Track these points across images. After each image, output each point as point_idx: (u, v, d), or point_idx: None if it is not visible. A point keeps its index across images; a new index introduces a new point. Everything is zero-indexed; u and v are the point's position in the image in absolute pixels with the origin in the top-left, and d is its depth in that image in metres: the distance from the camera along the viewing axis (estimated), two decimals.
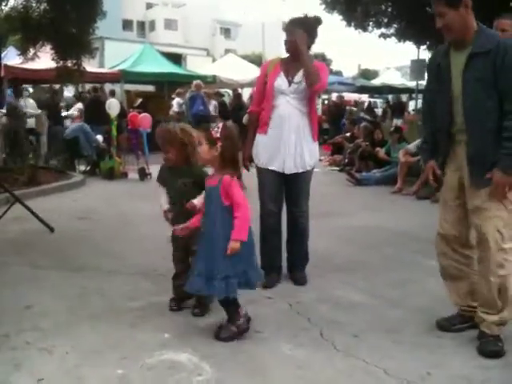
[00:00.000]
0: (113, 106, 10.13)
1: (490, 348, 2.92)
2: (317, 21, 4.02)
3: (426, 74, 12.52)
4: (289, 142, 3.92)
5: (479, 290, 3.08)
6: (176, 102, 14.23)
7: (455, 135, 3.10)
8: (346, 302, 3.74)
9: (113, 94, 12.81)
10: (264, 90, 4.04)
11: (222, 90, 18.17)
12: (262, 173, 4.04)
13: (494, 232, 2.91)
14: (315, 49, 4.13)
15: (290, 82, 3.93)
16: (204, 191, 3.24)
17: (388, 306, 3.67)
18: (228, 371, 2.75)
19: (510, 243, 2.95)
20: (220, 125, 3.09)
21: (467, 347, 3.02)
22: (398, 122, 16.34)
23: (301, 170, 3.99)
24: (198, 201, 3.35)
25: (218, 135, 3.01)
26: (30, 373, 2.71)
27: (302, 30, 3.89)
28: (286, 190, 4.11)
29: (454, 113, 3.06)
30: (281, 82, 3.94)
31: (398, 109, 19.83)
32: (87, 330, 3.24)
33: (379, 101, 27.08)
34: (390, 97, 25.38)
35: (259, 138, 4.00)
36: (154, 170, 9.61)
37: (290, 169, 3.97)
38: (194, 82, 12.90)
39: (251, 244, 3.11)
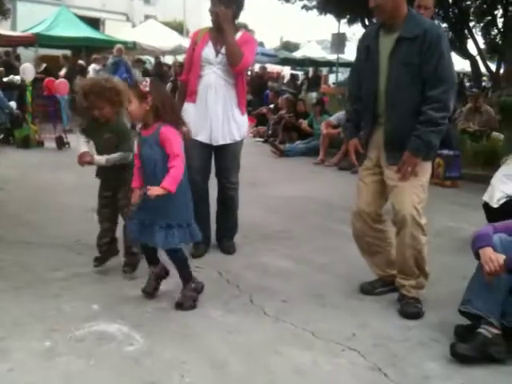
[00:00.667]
0: (27, 71, 9.59)
1: (410, 310, 3.10)
2: None
3: (345, 48, 12.70)
4: (216, 112, 3.88)
5: (397, 260, 3.25)
6: (92, 69, 13.59)
7: (378, 117, 3.20)
8: (274, 269, 3.83)
9: (18, 58, 12.08)
10: (190, 53, 4.00)
11: (143, 58, 17.67)
12: (190, 143, 3.99)
13: (411, 208, 3.05)
14: (238, 19, 4.05)
15: (218, 52, 3.87)
16: (122, 152, 3.35)
17: (314, 272, 3.79)
18: (159, 340, 2.75)
19: (425, 218, 3.12)
20: (148, 79, 3.05)
21: (389, 309, 3.19)
22: (313, 94, 16.46)
23: (228, 142, 3.97)
24: (98, 158, 3.39)
25: (147, 89, 2.94)
26: None
27: (228, 4, 3.79)
28: (216, 162, 4.09)
29: (379, 94, 3.14)
30: (208, 51, 3.88)
31: (314, 82, 20.01)
32: (9, 302, 3.12)
33: (300, 73, 27.41)
34: (310, 69, 25.72)
35: (188, 107, 3.93)
36: (72, 138, 9.32)
37: (216, 140, 3.94)
38: (116, 47, 12.25)
39: (190, 198, 3.11)
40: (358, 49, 3.39)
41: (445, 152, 6.71)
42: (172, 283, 3.27)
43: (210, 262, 3.88)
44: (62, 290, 3.30)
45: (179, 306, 3.10)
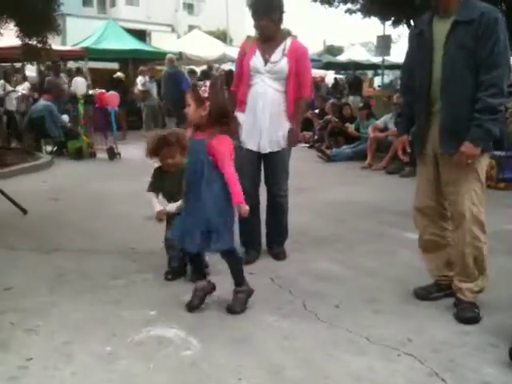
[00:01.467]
0: (79, 85, 9.94)
1: (467, 314, 3.04)
2: None
3: (390, 50, 12.49)
4: (263, 120, 3.92)
5: (455, 259, 3.19)
6: (139, 81, 13.76)
7: (433, 105, 3.14)
8: (326, 273, 3.83)
9: (79, 71, 12.49)
10: (240, 63, 4.06)
11: (187, 67, 17.94)
12: (239, 151, 4.05)
13: (470, 205, 3.00)
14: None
15: (266, 61, 3.91)
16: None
17: (366, 277, 3.77)
18: (215, 344, 2.81)
19: (483, 215, 3.05)
20: (207, 83, 3.03)
21: (444, 314, 3.14)
22: (352, 98, 16.19)
23: (276, 149, 4.00)
24: (171, 207, 3.54)
25: (206, 95, 2.96)
26: (18, 353, 2.71)
27: (271, 14, 3.82)
28: (265, 169, 4.14)
29: (433, 81, 3.09)
30: (256, 61, 3.92)
31: (354, 85, 19.68)
32: (71, 308, 3.24)
33: (343, 77, 27.22)
34: (355, 73, 25.50)
35: (238, 116, 3.99)
36: (123, 149, 9.58)
37: (264, 148, 3.98)
38: (168, 57, 12.08)
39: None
40: (409, 38, 3.36)
41: (497, 153, 6.55)
42: (226, 289, 3.31)
43: (261, 268, 3.92)
44: (120, 296, 3.41)
45: (230, 309, 3.14)
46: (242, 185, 3.84)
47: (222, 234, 3.02)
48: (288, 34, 4.05)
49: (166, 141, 3.50)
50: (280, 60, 3.88)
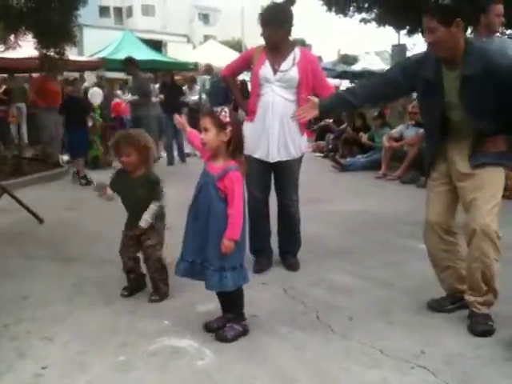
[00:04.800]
0: (95, 95, 10.06)
1: (480, 327, 3.03)
2: (289, 3, 4.03)
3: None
4: (272, 129, 3.95)
5: (466, 274, 3.19)
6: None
7: (447, 135, 3.16)
8: (339, 285, 3.83)
9: (99, 84, 12.64)
10: (242, 65, 4.23)
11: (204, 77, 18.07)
12: (248, 160, 4.07)
13: (482, 218, 2.99)
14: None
15: (276, 71, 3.95)
16: (156, 203, 3.48)
17: (379, 288, 3.76)
18: (229, 355, 2.82)
19: (498, 232, 3.02)
20: (226, 109, 2.89)
21: (458, 326, 3.13)
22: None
23: (285, 159, 4.02)
24: (144, 221, 3.48)
25: (228, 119, 2.84)
26: (34, 360, 2.76)
27: (276, 24, 3.89)
28: (274, 179, 4.17)
29: (451, 117, 3.10)
30: (266, 70, 3.96)
31: None
32: (86, 318, 3.28)
33: None
34: None
35: (246, 126, 3.98)
36: None
37: (273, 157, 4.00)
38: (205, 65, 11.57)
39: (245, 237, 3.05)
40: (410, 65, 3.27)
41: None
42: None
43: (274, 279, 3.93)
44: (135, 306, 3.44)
45: (222, 337, 2.97)
46: (251, 193, 3.86)
47: (226, 273, 2.88)
48: (297, 44, 4.12)
49: (124, 139, 3.50)
50: (290, 69, 3.92)
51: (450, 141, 3.17)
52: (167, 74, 10.76)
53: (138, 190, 3.51)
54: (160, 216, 3.59)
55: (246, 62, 4.16)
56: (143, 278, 3.72)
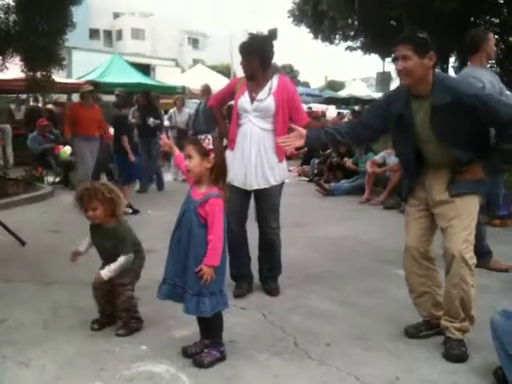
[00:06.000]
0: None
1: (454, 352, 3.07)
2: (271, 36, 4.05)
3: (390, 87, 12.78)
4: (250, 158, 4.02)
5: (443, 300, 3.24)
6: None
7: (423, 164, 3.24)
8: (319, 311, 3.85)
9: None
10: (227, 94, 4.31)
11: (192, 101, 18.19)
12: (228, 188, 4.10)
13: (460, 245, 3.05)
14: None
15: (253, 100, 4.03)
16: (124, 256, 3.35)
17: (359, 315, 3.79)
18: (205, 381, 2.83)
19: (474, 258, 3.11)
20: (210, 136, 2.95)
21: (434, 353, 3.16)
22: None
23: (262, 186, 4.07)
24: (105, 273, 3.35)
25: (211, 147, 2.90)
26: None
27: (253, 54, 3.97)
28: (255, 207, 4.22)
29: (424, 150, 3.18)
30: (244, 100, 4.05)
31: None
32: (63, 342, 3.27)
33: (346, 111, 27.59)
34: (356, 107, 25.83)
35: (228, 154, 4.01)
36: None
37: (250, 185, 4.06)
38: (204, 86, 11.06)
39: (225, 263, 3.06)
40: (382, 103, 3.42)
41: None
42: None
43: (254, 304, 3.94)
44: (113, 331, 3.42)
45: (199, 363, 2.97)
46: (230, 221, 3.86)
47: (204, 299, 2.89)
48: (279, 71, 4.20)
49: (87, 192, 3.33)
50: (266, 98, 4.00)
51: (428, 169, 3.25)
52: (141, 94, 10.07)
53: (106, 243, 3.43)
54: (139, 255, 3.51)
55: (231, 92, 4.23)
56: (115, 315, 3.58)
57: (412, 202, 3.37)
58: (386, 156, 9.04)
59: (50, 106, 14.28)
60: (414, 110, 3.13)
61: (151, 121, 9.44)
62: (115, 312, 3.51)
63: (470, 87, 3.15)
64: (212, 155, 2.89)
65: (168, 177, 10.53)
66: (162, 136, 3.48)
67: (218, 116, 4.42)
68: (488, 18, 13.88)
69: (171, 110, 11.94)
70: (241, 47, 4.07)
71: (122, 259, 3.38)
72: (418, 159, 3.23)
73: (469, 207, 3.13)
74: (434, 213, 3.24)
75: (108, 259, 3.44)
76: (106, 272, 3.36)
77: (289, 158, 4.26)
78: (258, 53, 3.99)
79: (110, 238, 3.42)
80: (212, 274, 2.86)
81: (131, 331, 3.41)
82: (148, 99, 9.97)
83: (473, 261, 3.09)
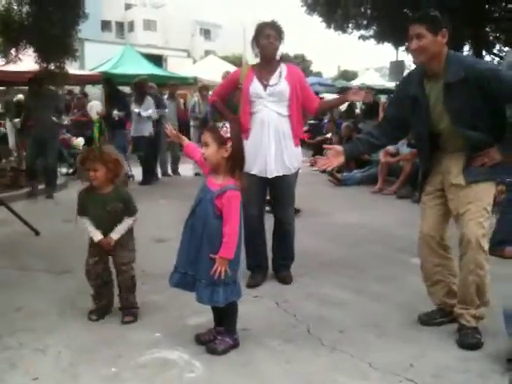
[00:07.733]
0: (95, 108, 10.12)
1: (468, 340, 3.06)
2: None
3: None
4: (269, 146, 3.99)
5: (458, 287, 3.22)
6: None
7: (438, 149, 3.24)
8: (332, 298, 3.85)
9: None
10: (229, 87, 4.25)
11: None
12: (244, 177, 4.10)
13: (476, 231, 3.03)
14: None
15: (266, 86, 4.00)
16: (131, 218, 3.38)
17: (372, 302, 3.79)
18: (218, 367, 2.84)
19: (487, 245, 3.09)
20: (227, 124, 2.90)
21: (447, 340, 3.15)
22: (374, 123, 16.16)
23: (282, 173, 4.05)
24: (114, 235, 3.37)
25: (228, 135, 2.86)
26: (25, 372, 2.77)
27: (281, 38, 4.02)
28: (271, 194, 4.21)
29: (441, 129, 3.17)
30: (256, 86, 4.01)
31: (370, 110, 19.59)
32: (79, 329, 3.30)
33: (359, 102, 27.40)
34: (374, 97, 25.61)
35: None
36: (136, 171, 9.68)
37: (271, 172, 4.04)
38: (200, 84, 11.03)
39: (240, 256, 3.02)
40: (398, 91, 3.45)
41: (508, 179, 6.53)
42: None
43: (267, 292, 3.95)
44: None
45: (212, 350, 2.99)
46: (248, 210, 3.86)
47: (218, 288, 2.88)
48: (297, 58, 4.19)
49: (93, 153, 3.33)
50: (278, 83, 3.98)
51: (443, 154, 3.23)
52: (105, 82, 10.09)
53: (109, 206, 3.36)
54: (130, 235, 3.52)
55: (233, 84, 4.19)
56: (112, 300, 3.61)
57: (427, 189, 3.35)
58: (400, 146, 8.97)
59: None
60: (428, 91, 3.15)
61: (115, 113, 9.44)
62: (111, 297, 3.56)
63: (485, 63, 3.15)
64: (229, 144, 2.86)
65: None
66: (167, 125, 3.42)
67: (222, 109, 4.32)
68: (504, 4, 13.69)
69: (194, 99, 11.33)
70: (271, 23, 4.02)
71: (128, 221, 3.41)
72: (433, 143, 3.21)
73: (485, 192, 3.11)
74: (448, 198, 3.22)
75: (109, 227, 3.40)
76: (117, 230, 3.39)
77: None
78: (280, 36, 4.02)
79: (113, 201, 3.36)
80: (226, 266, 2.86)
81: (136, 317, 3.45)
82: (111, 88, 9.91)
83: (487, 247, 3.07)
